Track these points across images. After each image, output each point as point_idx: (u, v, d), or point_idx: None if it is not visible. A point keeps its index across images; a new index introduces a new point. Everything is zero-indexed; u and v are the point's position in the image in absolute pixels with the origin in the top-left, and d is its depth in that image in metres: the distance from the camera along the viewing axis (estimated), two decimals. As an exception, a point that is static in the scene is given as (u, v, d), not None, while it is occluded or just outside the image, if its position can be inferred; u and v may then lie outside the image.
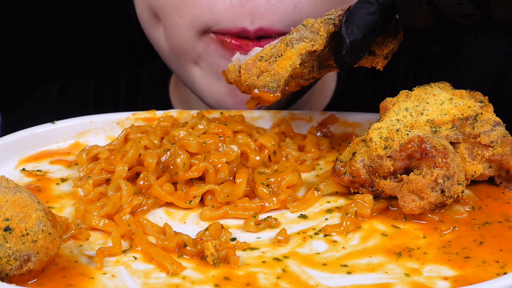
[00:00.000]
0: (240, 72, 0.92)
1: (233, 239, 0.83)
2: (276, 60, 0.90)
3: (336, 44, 0.90)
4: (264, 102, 0.92)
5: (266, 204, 0.88)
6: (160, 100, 1.40)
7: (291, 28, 0.92)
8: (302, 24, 0.91)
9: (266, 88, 0.91)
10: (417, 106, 0.90)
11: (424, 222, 0.84)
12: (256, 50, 0.92)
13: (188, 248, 0.80)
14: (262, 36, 1.05)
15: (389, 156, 0.85)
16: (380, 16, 0.87)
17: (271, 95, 0.91)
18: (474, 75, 1.35)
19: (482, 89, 0.94)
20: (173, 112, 1.06)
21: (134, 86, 1.46)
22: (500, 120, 0.88)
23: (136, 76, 1.48)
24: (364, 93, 1.38)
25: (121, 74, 1.48)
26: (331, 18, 0.91)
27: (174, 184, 0.90)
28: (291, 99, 1.16)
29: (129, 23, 1.37)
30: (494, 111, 0.89)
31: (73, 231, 0.83)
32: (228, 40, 1.06)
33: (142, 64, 1.54)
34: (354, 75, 1.38)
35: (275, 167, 0.93)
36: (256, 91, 0.91)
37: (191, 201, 0.88)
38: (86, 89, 1.47)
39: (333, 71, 0.99)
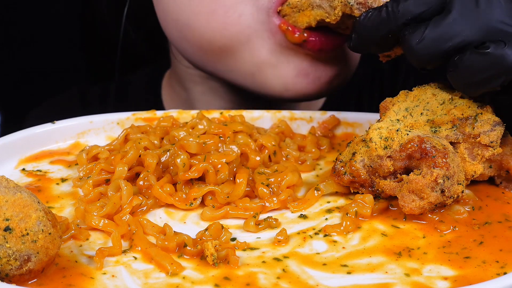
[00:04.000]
0: None
1: (233, 239, 0.83)
2: (299, 12, 1.00)
3: (353, 27, 0.92)
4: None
5: (267, 204, 0.88)
6: (150, 104, 1.39)
7: None
8: None
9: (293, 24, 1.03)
10: (417, 106, 0.90)
11: (424, 222, 0.84)
12: None
13: (188, 248, 0.80)
14: None
15: (389, 156, 0.85)
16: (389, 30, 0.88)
17: (296, 34, 1.03)
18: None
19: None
20: (173, 112, 1.06)
21: (122, 92, 1.46)
22: (500, 120, 0.87)
23: (125, 82, 1.47)
24: (361, 93, 1.38)
25: (110, 79, 1.48)
26: (349, 2, 0.93)
27: (174, 184, 0.90)
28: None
29: (112, 35, 1.36)
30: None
31: (73, 231, 0.83)
32: (317, 40, 1.04)
33: (121, 74, 1.53)
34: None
35: (275, 167, 0.93)
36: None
37: (191, 203, 0.88)
38: (70, 100, 1.48)
39: None
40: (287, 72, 1.07)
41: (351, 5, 0.93)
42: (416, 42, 0.84)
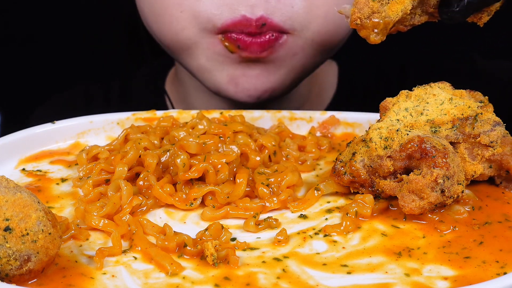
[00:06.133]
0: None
1: (233, 239, 0.83)
2: (389, 2, 0.87)
3: None
4: (367, 40, 0.90)
5: (267, 204, 0.88)
6: (154, 101, 1.39)
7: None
8: None
9: (373, 30, 0.88)
10: (417, 106, 0.90)
11: (424, 222, 0.84)
12: None
13: (188, 248, 0.80)
14: (264, 29, 1.09)
15: (389, 156, 0.85)
16: None
17: (376, 37, 0.89)
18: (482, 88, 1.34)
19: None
20: (173, 112, 1.06)
21: (126, 88, 1.46)
22: (500, 120, 0.88)
23: (129, 78, 1.48)
24: (366, 95, 1.38)
25: (113, 77, 1.49)
26: None
27: (174, 184, 0.90)
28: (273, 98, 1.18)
29: (135, 20, 1.38)
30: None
31: (73, 231, 0.83)
32: (241, 37, 1.09)
33: (147, 61, 1.55)
34: (357, 76, 1.37)
35: (275, 167, 0.93)
36: (362, 32, 0.89)
37: (191, 203, 0.88)
38: (75, 98, 1.48)
39: (432, 20, 0.92)
40: (220, 78, 1.15)
41: None
42: None
